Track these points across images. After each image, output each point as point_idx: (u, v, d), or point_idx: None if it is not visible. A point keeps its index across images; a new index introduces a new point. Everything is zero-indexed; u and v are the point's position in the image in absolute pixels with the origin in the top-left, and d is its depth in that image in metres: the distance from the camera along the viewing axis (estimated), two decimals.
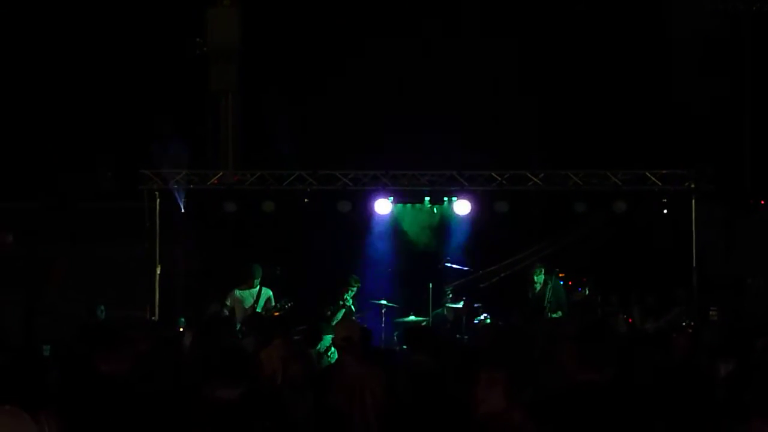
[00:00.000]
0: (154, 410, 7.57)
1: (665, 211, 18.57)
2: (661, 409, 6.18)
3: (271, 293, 16.67)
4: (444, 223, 19.53)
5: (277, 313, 16.14)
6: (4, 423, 5.22)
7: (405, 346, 14.97)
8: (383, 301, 17.52)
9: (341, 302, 16.93)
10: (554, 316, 16.56)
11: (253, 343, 11.88)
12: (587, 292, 17.69)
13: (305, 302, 16.81)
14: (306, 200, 18.65)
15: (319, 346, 14.15)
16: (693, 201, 18.18)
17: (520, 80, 20.20)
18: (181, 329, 15.96)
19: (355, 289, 17.16)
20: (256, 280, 16.56)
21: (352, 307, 17.02)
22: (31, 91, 20.57)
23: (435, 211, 19.48)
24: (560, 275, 17.46)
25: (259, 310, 16.15)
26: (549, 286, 16.91)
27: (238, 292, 16.50)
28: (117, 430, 6.98)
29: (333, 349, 15.26)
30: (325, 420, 8.17)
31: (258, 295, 16.49)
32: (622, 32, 20.43)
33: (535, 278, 17.06)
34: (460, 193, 18.61)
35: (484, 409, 5.91)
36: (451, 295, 17.72)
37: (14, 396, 6.66)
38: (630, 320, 17.12)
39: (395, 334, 17.08)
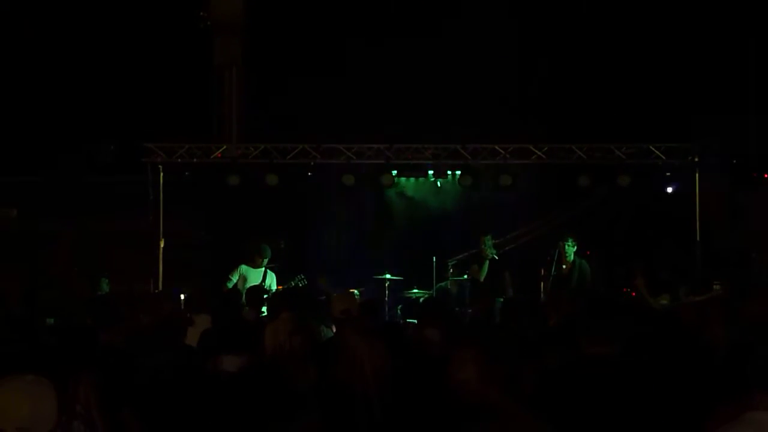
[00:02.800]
0: (152, 382, 7.60)
1: (669, 185, 18.59)
2: (668, 383, 6.19)
3: (275, 277, 16.67)
4: (447, 197, 19.57)
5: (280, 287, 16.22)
6: (27, 391, 5.21)
7: (410, 320, 15.05)
8: (387, 275, 17.52)
9: (483, 256, 16.95)
10: None
11: (252, 315, 11.92)
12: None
13: (309, 275, 16.82)
14: (309, 174, 18.67)
15: None
16: (697, 174, 18.18)
17: (524, 53, 20.12)
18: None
19: (489, 239, 17.15)
20: (264, 260, 16.54)
21: (496, 256, 17.03)
22: (34, 65, 20.52)
23: (438, 184, 19.51)
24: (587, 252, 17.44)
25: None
26: (576, 266, 16.79)
27: (244, 268, 16.49)
28: (112, 399, 6.97)
29: None
30: (326, 392, 8.18)
31: (264, 276, 16.49)
32: (626, 4, 20.35)
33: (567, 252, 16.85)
34: (463, 166, 18.61)
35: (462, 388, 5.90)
36: (452, 270, 17.73)
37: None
38: (633, 294, 17.07)
39: (398, 307, 17.10)
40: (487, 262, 16.86)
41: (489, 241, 17.00)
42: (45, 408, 5.10)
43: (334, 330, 10.48)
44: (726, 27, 19.83)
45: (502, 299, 15.84)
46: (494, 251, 17.00)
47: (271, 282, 16.54)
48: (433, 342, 8.71)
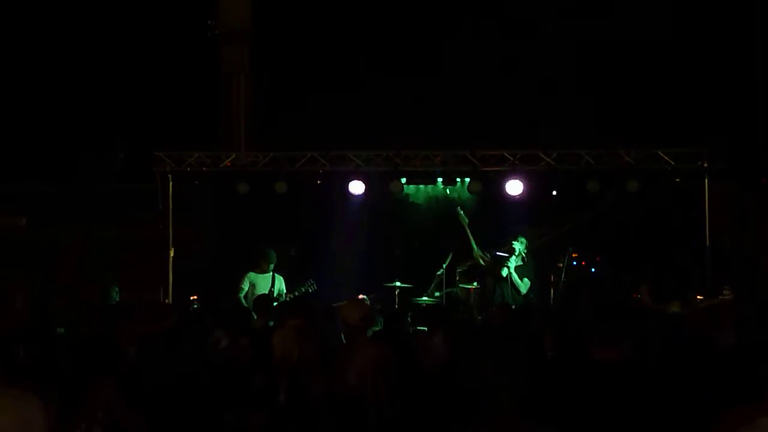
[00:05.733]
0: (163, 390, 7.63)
1: (678, 190, 18.57)
2: (677, 387, 6.19)
3: (283, 280, 16.66)
4: (456, 204, 19.56)
5: (290, 296, 16.21)
6: (9, 407, 5.17)
7: (420, 328, 15.03)
8: (397, 283, 17.48)
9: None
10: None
11: (260, 323, 11.91)
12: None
13: (319, 283, 16.80)
14: (318, 181, 18.66)
15: None
16: (706, 179, 18.15)
17: (532, 59, 20.14)
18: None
19: (522, 244, 17.13)
20: (270, 265, 16.51)
21: (512, 273, 17.00)
22: (44, 73, 20.58)
23: (448, 191, 19.50)
24: (573, 255, 17.45)
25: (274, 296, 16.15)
26: (563, 267, 16.86)
27: (252, 275, 16.46)
28: (134, 405, 6.99)
29: None
30: (337, 401, 8.19)
31: (273, 281, 16.48)
32: (632, 10, 20.35)
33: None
34: (472, 173, 18.60)
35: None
36: (459, 277, 17.67)
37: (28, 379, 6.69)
38: (643, 300, 17.04)
39: (409, 315, 17.06)
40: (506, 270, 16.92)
41: (522, 243, 17.06)
42: (29, 422, 5.06)
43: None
44: (734, 33, 19.83)
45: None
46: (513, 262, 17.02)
47: (280, 286, 16.53)
48: (438, 349, 8.74)
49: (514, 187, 18.25)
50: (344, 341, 9.69)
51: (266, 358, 9.72)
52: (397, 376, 8.37)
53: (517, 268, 16.89)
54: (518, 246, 16.95)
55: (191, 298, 16.75)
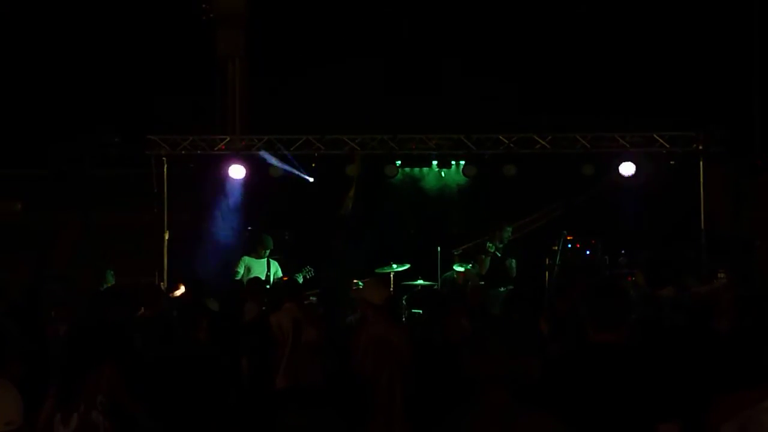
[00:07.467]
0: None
1: (673, 173, 18.57)
2: (676, 370, 6.18)
3: (279, 266, 16.65)
4: (451, 187, 19.53)
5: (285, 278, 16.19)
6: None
7: (415, 310, 15.06)
8: (393, 265, 17.47)
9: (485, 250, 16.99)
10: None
11: (255, 308, 11.89)
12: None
13: (315, 266, 16.78)
14: (313, 165, 18.65)
15: None
16: (701, 163, 18.15)
17: (527, 42, 20.11)
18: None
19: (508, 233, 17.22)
20: (266, 251, 16.52)
21: (498, 253, 17.00)
22: (38, 57, 20.53)
23: (443, 174, 19.47)
24: (568, 237, 17.44)
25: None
26: (558, 250, 16.91)
27: (247, 259, 16.47)
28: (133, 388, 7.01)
29: None
30: (348, 383, 8.16)
31: (268, 266, 16.48)
32: None
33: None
34: (467, 156, 18.59)
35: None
36: (457, 259, 17.68)
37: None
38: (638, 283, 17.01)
39: (404, 297, 17.07)
40: (488, 258, 16.92)
41: (508, 232, 17.14)
42: (3, 408, 5.11)
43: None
44: (730, 15, 19.80)
45: (503, 288, 15.90)
46: (498, 245, 17.05)
47: (276, 271, 16.53)
48: (436, 332, 8.72)
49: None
50: (361, 321, 9.56)
51: (265, 339, 9.75)
52: (411, 358, 8.37)
53: (499, 249, 17.00)
54: (505, 234, 17.08)
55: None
